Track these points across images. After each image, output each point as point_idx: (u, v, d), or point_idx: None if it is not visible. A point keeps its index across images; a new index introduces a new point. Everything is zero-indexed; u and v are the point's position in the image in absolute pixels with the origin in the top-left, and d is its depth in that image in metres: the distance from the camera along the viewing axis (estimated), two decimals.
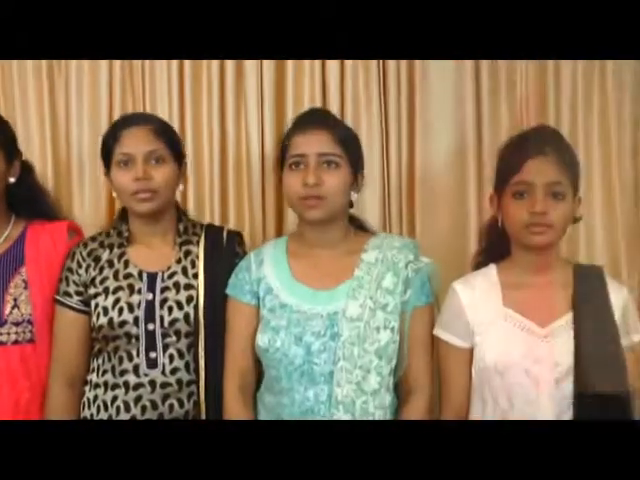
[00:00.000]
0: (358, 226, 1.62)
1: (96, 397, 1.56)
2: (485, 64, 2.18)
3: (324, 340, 1.43)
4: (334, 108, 2.19)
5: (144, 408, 1.52)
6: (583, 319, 1.37)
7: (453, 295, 1.49)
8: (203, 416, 1.55)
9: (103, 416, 1.54)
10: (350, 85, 2.19)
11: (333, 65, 2.19)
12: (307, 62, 2.19)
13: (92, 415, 1.56)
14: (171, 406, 1.53)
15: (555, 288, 1.43)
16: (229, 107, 2.22)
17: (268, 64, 2.20)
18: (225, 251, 1.64)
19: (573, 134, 2.17)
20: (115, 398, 1.53)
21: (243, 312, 1.52)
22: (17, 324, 1.58)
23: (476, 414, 1.44)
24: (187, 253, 1.62)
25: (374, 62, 2.19)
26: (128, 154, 1.55)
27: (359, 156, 1.54)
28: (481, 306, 1.45)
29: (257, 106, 2.21)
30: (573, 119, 2.18)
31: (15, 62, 2.22)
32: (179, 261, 1.61)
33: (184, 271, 1.60)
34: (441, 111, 2.19)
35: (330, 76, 2.20)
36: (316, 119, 1.52)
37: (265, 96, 2.21)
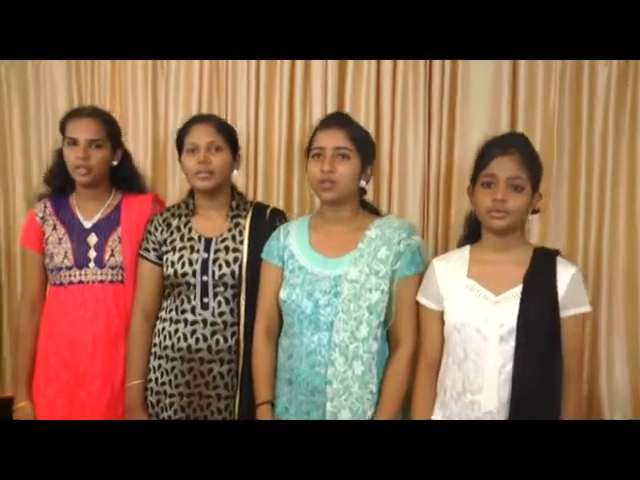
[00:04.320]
0: (372, 210, 1.96)
1: (163, 328, 2.01)
2: (523, 64, 2.39)
3: (329, 297, 1.78)
4: (386, 103, 2.52)
5: (197, 339, 1.96)
6: (529, 291, 1.64)
7: (431, 268, 1.81)
8: (242, 351, 1.95)
9: (168, 343, 1.99)
10: (401, 83, 2.50)
11: (387, 65, 2.51)
12: (365, 63, 2.52)
13: (160, 342, 2.01)
14: (217, 341, 1.96)
15: (512, 265, 1.70)
16: (297, 103, 2.61)
17: (332, 64, 2.55)
18: (266, 224, 2.03)
19: (604, 132, 2.36)
20: (177, 330, 1.98)
21: (272, 272, 1.90)
22: (113, 268, 2.08)
23: (443, 363, 1.77)
24: (237, 224, 2.03)
25: (422, 62, 2.47)
26: (194, 143, 1.97)
27: (369, 152, 1.86)
28: (450, 277, 1.75)
29: (321, 101, 2.58)
30: (604, 117, 2.36)
31: (129, 62, 2.74)
32: (230, 230, 2.02)
33: (233, 238, 2.01)
34: (479, 108, 2.45)
35: (384, 75, 2.52)
36: (335, 120, 1.86)
37: (328, 92, 2.57)
